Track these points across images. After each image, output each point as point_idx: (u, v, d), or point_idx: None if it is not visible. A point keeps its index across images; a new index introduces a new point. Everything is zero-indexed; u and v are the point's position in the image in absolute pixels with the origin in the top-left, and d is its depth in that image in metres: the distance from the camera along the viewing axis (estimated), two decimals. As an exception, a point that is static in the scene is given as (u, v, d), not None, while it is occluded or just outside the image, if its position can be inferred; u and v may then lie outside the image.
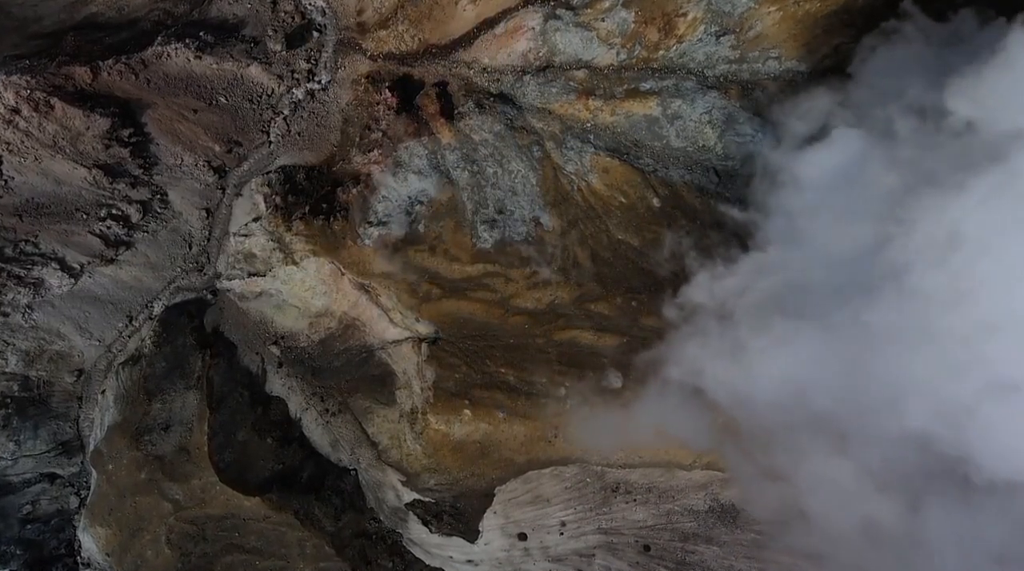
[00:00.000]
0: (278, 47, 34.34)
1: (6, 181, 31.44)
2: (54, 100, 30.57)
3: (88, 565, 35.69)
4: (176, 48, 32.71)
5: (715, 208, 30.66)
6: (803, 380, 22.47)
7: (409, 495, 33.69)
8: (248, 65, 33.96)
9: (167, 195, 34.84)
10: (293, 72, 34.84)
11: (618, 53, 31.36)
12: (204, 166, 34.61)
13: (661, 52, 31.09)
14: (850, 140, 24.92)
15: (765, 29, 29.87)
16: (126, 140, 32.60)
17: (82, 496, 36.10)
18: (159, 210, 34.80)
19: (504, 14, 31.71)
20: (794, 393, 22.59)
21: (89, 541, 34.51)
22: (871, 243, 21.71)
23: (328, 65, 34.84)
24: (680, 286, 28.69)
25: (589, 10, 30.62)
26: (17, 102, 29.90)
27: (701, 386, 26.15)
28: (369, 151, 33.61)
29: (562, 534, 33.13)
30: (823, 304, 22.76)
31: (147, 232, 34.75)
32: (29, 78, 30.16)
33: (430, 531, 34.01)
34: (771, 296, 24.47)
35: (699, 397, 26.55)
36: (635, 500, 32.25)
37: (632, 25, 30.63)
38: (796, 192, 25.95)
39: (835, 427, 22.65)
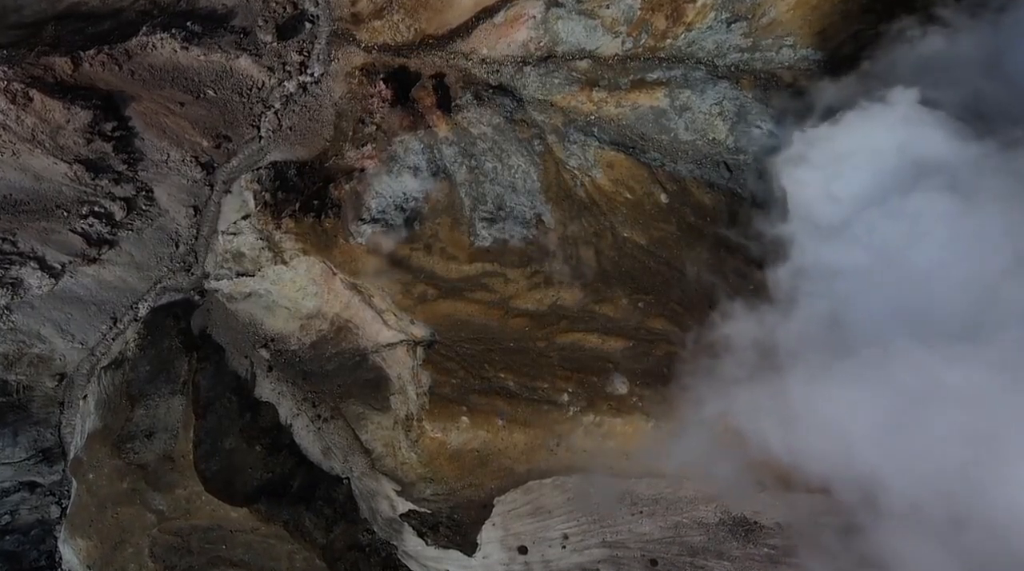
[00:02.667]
0: (269, 38, 33.54)
1: (-17, 176, 30.52)
2: (33, 92, 29.65)
3: (70, 577, 34.55)
4: (162, 38, 31.96)
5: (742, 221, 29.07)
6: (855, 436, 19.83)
7: (404, 505, 32.80)
8: (237, 57, 33.16)
9: (153, 192, 33.99)
10: (284, 64, 34.01)
11: (623, 42, 30.70)
12: (191, 162, 33.75)
13: (669, 40, 30.42)
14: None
15: (779, 15, 29.08)
16: (109, 134, 31.70)
17: (63, 506, 35.37)
18: (144, 207, 33.99)
19: (504, 2, 31.11)
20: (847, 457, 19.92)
21: (70, 553, 33.48)
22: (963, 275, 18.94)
23: (321, 57, 34.08)
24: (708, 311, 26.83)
25: (593, -3, 29.85)
26: (-6, 93, 28.96)
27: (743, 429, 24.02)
28: (363, 146, 32.91)
29: (564, 547, 32.05)
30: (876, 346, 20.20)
31: (132, 230, 33.98)
32: (6, 68, 29.34)
33: (426, 543, 33.02)
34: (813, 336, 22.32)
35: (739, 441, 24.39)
36: (641, 512, 31.12)
37: (638, 12, 29.96)
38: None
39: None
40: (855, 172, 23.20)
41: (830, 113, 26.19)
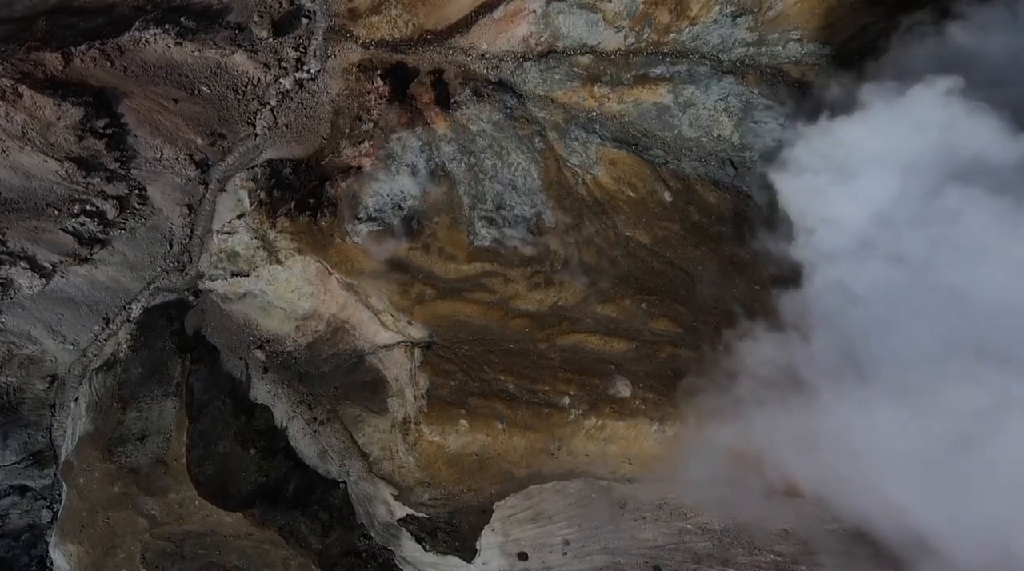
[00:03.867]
0: (265, 34, 33.17)
1: (-28, 174, 30.01)
2: (22, 88, 29.22)
3: (61, 583, 33.98)
4: (155, 34, 31.73)
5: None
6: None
7: (402, 510, 32.32)
8: (232, 53, 32.79)
9: (146, 190, 33.50)
10: (281, 61, 33.63)
11: (626, 36, 30.33)
12: (185, 159, 33.30)
13: (672, 35, 30.01)
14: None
15: (786, 9, 28.74)
16: (101, 131, 31.27)
17: (55, 510, 34.91)
18: (137, 206, 33.53)
19: (504, -3, 30.56)
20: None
21: (60, 559, 32.95)
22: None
23: (318, 53, 33.72)
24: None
25: (594, -10, 29.52)
26: (-18, 90, 28.59)
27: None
28: (360, 143, 32.56)
29: (565, 554, 31.60)
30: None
31: (124, 229, 33.54)
32: (-4, 64, 28.62)
33: (424, 549, 32.54)
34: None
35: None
36: (644, 517, 30.77)
37: (641, 6, 29.71)
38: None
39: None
40: (874, 174, 20.90)
41: (841, 109, 24.65)
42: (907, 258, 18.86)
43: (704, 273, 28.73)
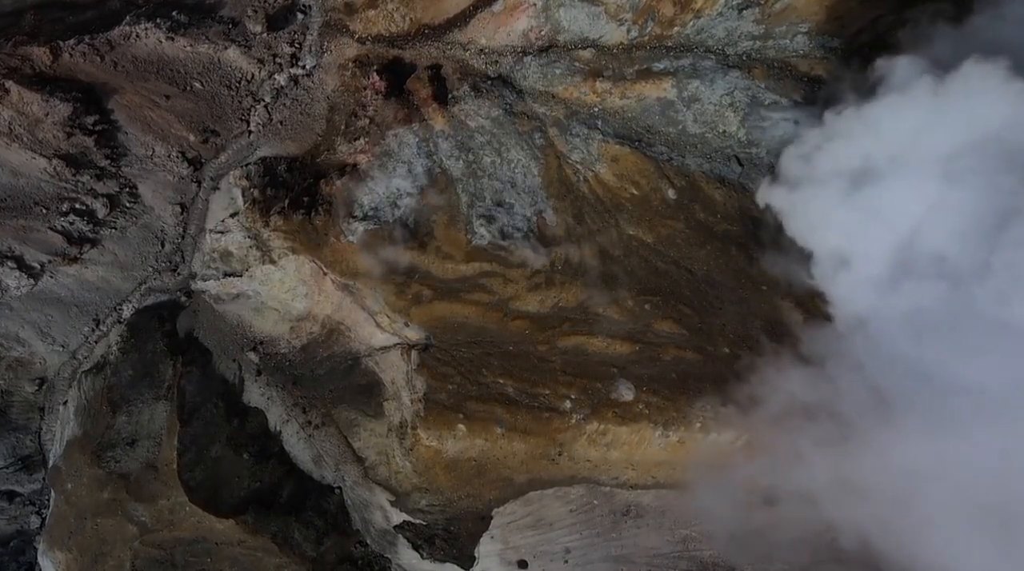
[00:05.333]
0: (259, 29, 32.59)
1: (-42, 172, 29.53)
2: (9, 83, 28.65)
3: (50, 591, 33.41)
4: (146, 28, 31.23)
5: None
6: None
7: (398, 516, 31.90)
8: (226, 48, 32.26)
9: (137, 188, 33.00)
10: (275, 56, 33.09)
11: (628, 30, 29.73)
12: (178, 157, 32.79)
13: (677, 28, 29.37)
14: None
15: (793, 1, 28.32)
16: (90, 128, 30.76)
17: (43, 516, 34.53)
18: (128, 205, 33.06)
19: (503, -11, 30.01)
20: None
21: (49, 566, 32.47)
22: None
23: (313, 49, 33.15)
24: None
25: (596, -18, 29.18)
26: (-33, 85, 28.18)
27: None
28: (355, 140, 32.07)
29: (567, 562, 31.18)
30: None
31: (115, 228, 33.08)
32: (-19, 59, 28.06)
33: (421, 557, 32.19)
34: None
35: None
36: (648, 525, 30.31)
37: None
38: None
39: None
40: (909, 176, 16.75)
41: (862, 97, 21.14)
42: (958, 283, 15.19)
43: (710, 273, 27.95)
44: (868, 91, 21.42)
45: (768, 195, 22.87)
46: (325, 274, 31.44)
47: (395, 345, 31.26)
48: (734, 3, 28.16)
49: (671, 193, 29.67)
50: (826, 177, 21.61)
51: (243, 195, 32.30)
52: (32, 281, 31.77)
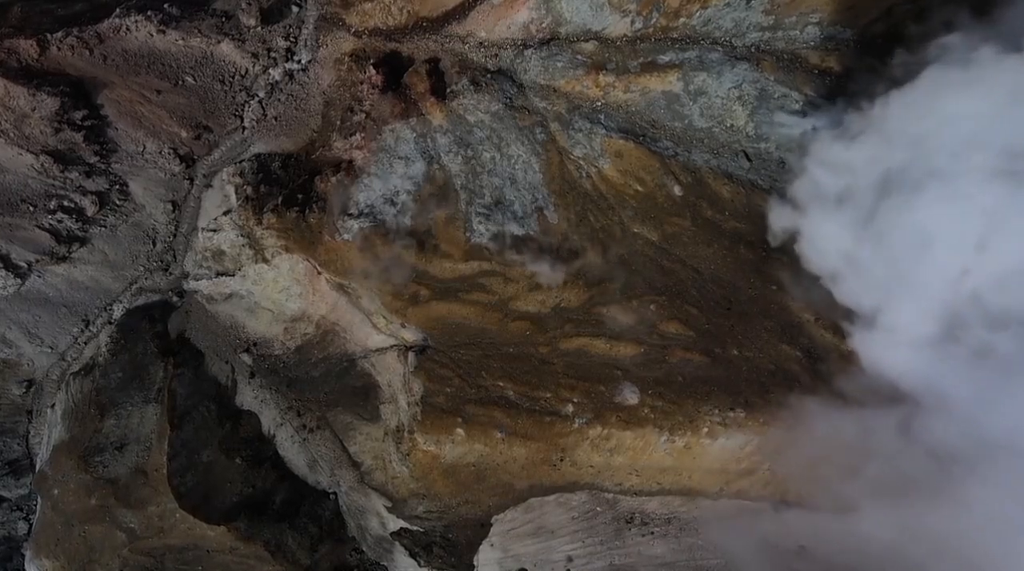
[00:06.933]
0: (253, 22, 32.14)
1: (-58, 168, 29.06)
2: None
3: (38, 598, 32.83)
4: (136, 21, 30.84)
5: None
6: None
7: (395, 523, 31.43)
8: (219, 42, 31.80)
9: (127, 186, 32.57)
10: (269, 50, 32.60)
11: (633, 21, 29.02)
12: (169, 154, 32.32)
13: (683, 19, 28.72)
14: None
15: None
16: (79, 123, 30.31)
17: (31, 521, 33.98)
18: (118, 202, 32.67)
19: (503, -19, 29.44)
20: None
21: None
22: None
23: (308, 43, 32.61)
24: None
25: (599, -29, 28.78)
26: (-48, 79, 27.82)
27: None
28: (351, 135, 31.54)
29: (568, 570, 30.53)
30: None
31: (105, 227, 32.70)
32: (-34, 52, 27.50)
33: (419, 564, 31.66)
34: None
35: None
36: (652, 533, 29.83)
37: None
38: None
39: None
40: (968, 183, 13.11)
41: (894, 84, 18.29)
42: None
43: (717, 273, 27.28)
44: (891, 84, 20.13)
45: (781, 220, 19.99)
46: (319, 273, 30.90)
47: (392, 347, 30.73)
48: (742, -7, 27.59)
49: (677, 189, 29.11)
50: (850, 198, 18.74)
51: (236, 193, 31.88)
52: (19, 281, 31.37)
